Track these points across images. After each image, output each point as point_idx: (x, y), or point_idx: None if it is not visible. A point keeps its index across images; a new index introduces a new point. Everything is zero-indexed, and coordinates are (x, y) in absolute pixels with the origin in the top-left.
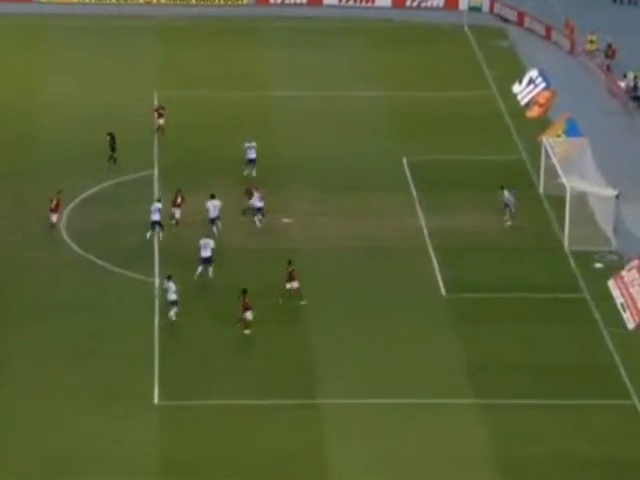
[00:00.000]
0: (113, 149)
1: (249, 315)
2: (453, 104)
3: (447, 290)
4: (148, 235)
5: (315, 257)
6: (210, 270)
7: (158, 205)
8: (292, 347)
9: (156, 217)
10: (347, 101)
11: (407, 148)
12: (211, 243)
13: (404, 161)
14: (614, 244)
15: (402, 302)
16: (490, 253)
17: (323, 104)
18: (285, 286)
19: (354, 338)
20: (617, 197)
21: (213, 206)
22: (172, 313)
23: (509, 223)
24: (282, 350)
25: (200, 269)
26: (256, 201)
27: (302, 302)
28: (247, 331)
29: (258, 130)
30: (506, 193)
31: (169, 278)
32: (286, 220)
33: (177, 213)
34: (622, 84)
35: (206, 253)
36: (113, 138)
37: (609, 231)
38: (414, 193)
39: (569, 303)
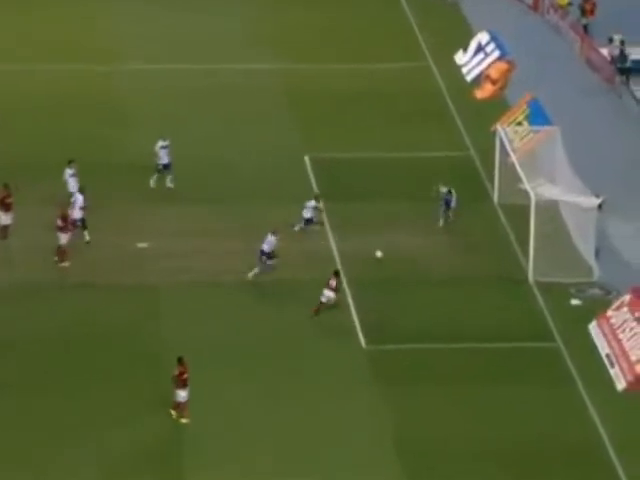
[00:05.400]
0: None
1: (184, 395)
2: (374, 80)
3: (368, 340)
4: None
5: (182, 296)
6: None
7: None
8: (159, 419)
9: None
10: (233, 76)
11: (311, 141)
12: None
13: (306, 159)
14: (596, 273)
15: (308, 357)
16: (427, 287)
17: (199, 80)
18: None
19: (241, 405)
20: (600, 207)
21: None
22: None
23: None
24: (147, 421)
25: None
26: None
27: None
28: (185, 420)
29: (106, 117)
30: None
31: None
32: (141, 245)
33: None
34: (605, 51)
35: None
36: None
37: (590, 255)
38: (320, 204)
39: (535, 355)
